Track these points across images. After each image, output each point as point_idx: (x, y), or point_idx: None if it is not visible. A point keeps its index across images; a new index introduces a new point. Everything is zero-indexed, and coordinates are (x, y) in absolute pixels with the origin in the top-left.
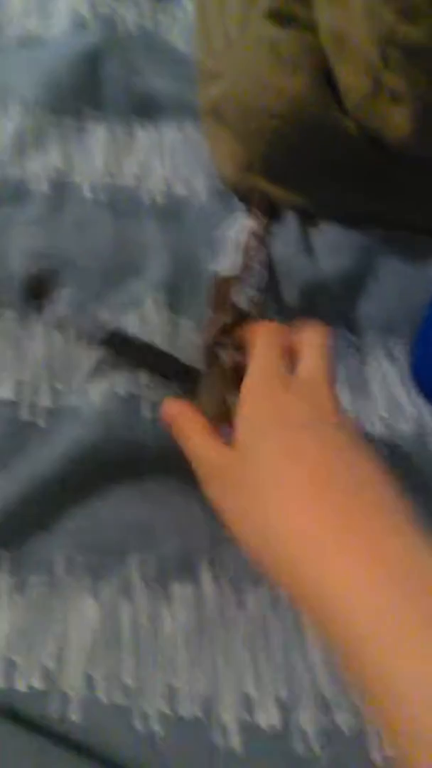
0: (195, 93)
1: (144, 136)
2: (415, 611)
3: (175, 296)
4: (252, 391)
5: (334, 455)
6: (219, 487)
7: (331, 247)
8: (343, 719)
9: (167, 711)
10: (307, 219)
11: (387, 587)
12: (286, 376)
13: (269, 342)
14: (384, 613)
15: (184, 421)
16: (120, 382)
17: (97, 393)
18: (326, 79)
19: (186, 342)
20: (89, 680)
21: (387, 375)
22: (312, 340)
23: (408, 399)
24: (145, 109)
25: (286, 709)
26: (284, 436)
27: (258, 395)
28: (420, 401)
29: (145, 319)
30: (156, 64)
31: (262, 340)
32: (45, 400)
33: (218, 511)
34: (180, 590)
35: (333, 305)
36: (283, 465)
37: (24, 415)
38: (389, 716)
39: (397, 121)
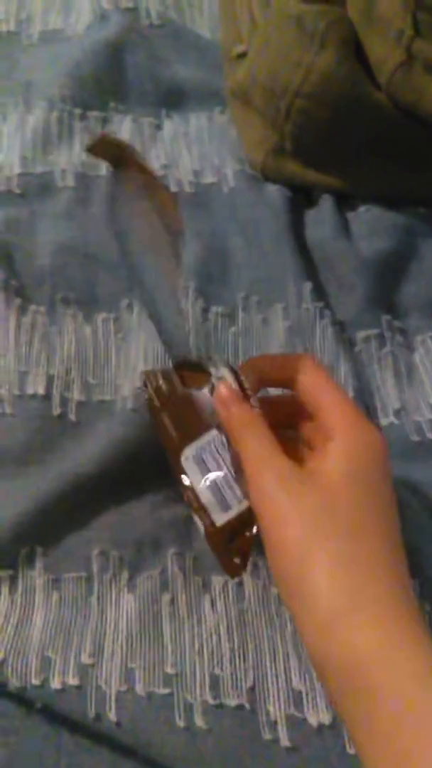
0: (221, 80)
1: (170, 125)
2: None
3: (206, 284)
4: (351, 433)
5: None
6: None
7: (370, 229)
8: None
9: (211, 700)
10: (344, 201)
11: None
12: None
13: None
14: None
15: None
16: None
17: (128, 389)
18: (355, 53)
19: (215, 329)
20: (128, 673)
21: None
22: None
23: None
24: (171, 98)
25: None
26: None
27: (357, 440)
28: None
29: (185, 315)
30: (181, 53)
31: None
32: (77, 394)
33: (265, 500)
34: (220, 583)
35: (374, 289)
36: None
37: (56, 409)
38: None
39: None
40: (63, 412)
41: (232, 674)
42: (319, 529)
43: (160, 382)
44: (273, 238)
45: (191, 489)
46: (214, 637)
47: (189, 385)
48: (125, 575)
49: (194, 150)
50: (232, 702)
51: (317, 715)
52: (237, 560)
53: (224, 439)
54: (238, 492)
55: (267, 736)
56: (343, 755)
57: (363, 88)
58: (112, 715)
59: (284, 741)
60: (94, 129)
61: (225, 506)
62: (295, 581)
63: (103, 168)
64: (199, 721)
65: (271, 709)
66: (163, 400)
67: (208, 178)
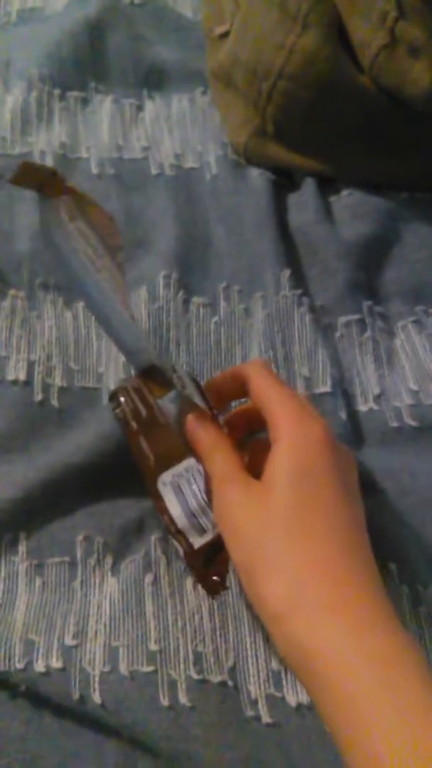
0: (204, 61)
1: (152, 107)
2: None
3: (187, 274)
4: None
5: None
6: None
7: (353, 213)
8: None
9: (195, 675)
10: (326, 184)
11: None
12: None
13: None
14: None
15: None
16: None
17: (113, 382)
18: (339, 35)
19: (197, 319)
20: (112, 653)
21: (416, 345)
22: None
23: None
24: (153, 79)
25: None
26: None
27: (302, 448)
28: None
29: (156, 297)
30: (162, 33)
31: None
32: (59, 380)
33: (224, 518)
34: None
35: (356, 274)
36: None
37: (38, 395)
38: None
39: (416, 77)
40: (45, 398)
41: (214, 652)
42: (262, 539)
43: (138, 404)
44: (255, 226)
45: (168, 514)
46: (197, 617)
47: (155, 395)
48: (109, 560)
49: (176, 133)
50: (215, 678)
51: (296, 695)
52: (216, 579)
53: (201, 468)
54: (212, 517)
55: (249, 712)
56: (323, 733)
57: (346, 71)
58: (96, 697)
59: (266, 718)
60: (74, 109)
61: (201, 531)
62: (250, 590)
63: (83, 150)
64: (183, 699)
65: (251, 688)
66: (141, 423)
67: (189, 163)
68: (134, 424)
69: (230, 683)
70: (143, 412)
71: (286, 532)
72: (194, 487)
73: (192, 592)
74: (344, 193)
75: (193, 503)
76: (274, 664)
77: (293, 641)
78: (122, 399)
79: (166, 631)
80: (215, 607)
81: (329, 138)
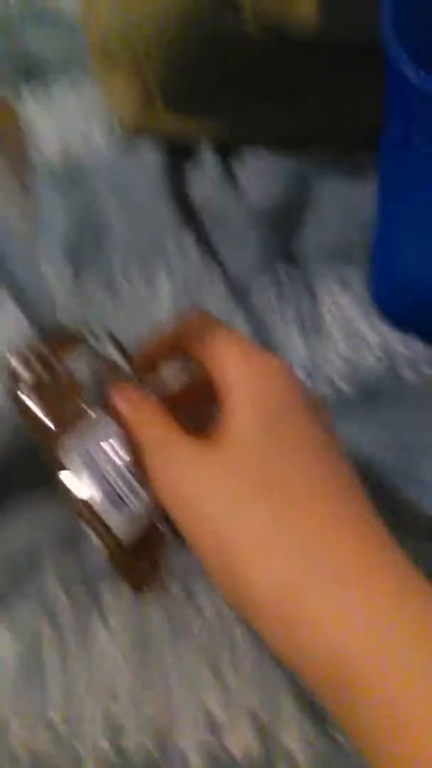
0: (84, 47)
1: (32, 98)
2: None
3: (77, 254)
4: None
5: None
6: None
7: (258, 176)
8: (339, 731)
9: (107, 746)
10: (226, 148)
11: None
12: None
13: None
14: (388, 657)
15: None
16: None
17: None
18: None
19: (91, 300)
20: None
21: (343, 307)
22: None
23: (370, 329)
24: (31, 71)
25: (263, 727)
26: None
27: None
28: (384, 328)
29: (46, 278)
30: (38, 26)
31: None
32: None
33: (168, 487)
34: (113, 595)
35: (269, 241)
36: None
37: None
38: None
39: (300, 7)
40: None
41: (133, 708)
42: (236, 509)
43: (39, 369)
44: (151, 202)
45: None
46: (110, 667)
47: (61, 355)
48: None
49: (60, 117)
50: (133, 746)
51: (244, 744)
52: (145, 570)
53: (118, 428)
54: (137, 486)
55: None
56: None
57: (227, 14)
58: None
59: None
60: None
61: (122, 507)
62: (228, 574)
63: None
64: None
65: (183, 744)
66: (35, 381)
67: (77, 147)
68: (28, 383)
69: (153, 748)
70: (45, 377)
71: (268, 498)
72: (109, 449)
73: (102, 629)
74: (246, 155)
75: (109, 470)
76: (215, 709)
77: (309, 643)
78: (18, 362)
79: (72, 696)
80: (133, 648)
81: (220, 94)
